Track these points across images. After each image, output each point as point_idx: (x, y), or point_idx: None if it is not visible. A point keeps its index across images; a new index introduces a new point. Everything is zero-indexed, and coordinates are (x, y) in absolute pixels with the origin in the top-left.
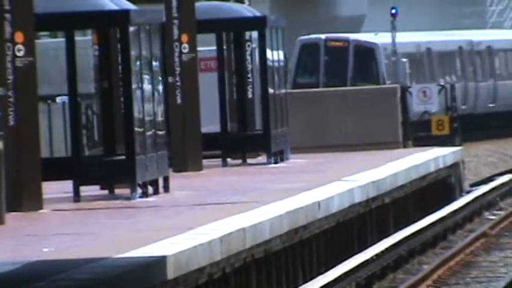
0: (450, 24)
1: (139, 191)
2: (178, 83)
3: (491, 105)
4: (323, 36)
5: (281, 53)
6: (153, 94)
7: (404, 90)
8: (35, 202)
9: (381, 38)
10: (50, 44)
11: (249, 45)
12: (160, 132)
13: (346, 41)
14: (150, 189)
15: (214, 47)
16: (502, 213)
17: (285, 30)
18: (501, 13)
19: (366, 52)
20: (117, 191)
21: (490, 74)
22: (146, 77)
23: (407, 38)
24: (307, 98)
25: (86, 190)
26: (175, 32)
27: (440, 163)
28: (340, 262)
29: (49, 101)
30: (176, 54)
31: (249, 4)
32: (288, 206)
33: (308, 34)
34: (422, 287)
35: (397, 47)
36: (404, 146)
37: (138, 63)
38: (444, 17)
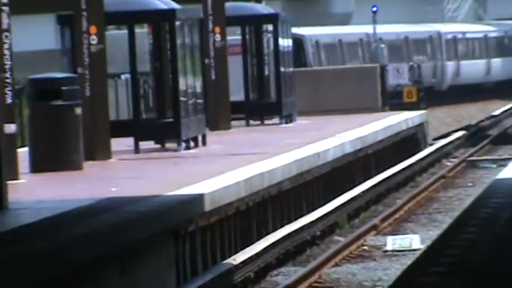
0: (418, 19)
1: (183, 145)
2: (213, 63)
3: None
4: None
5: (290, 41)
6: (193, 72)
7: (383, 68)
8: (105, 153)
9: (312, 30)
10: (116, 34)
11: (265, 35)
12: (199, 101)
13: None
14: (192, 144)
15: (239, 36)
16: (456, 160)
17: (292, 23)
18: (455, 10)
19: (296, 42)
20: (167, 145)
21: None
22: (188, 59)
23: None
24: (309, 75)
25: (144, 144)
26: (210, 25)
27: (409, 123)
28: (335, 198)
29: (115, 78)
30: (211, 42)
31: (266, 4)
32: (295, 155)
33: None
34: (397, 216)
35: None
36: (383, 110)
37: (182, 49)
38: (414, 13)
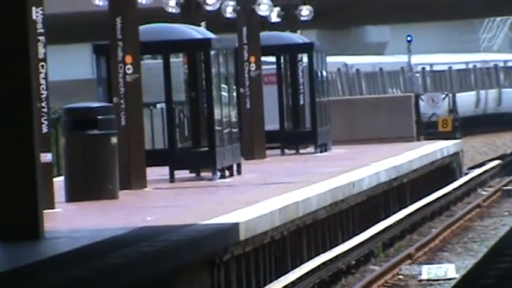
0: (453, 48)
1: (218, 174)
2: (248, 93)
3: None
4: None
5: (325, 71)
6: (228, 101)
7: (417, 97)
8: (140, 182)
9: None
10: (151, 64)
11: (300, 64)
12: (234, 130)
13: None
14: (227, 173)
15: (274, 66)
16: (492, 189)
17: (327, 53)
18: (490, 39)
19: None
20: (202, 174)
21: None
22: (223, 88)
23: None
24: (343, 104)
25: (179, 173)
26: (245, 54)
27: (444, 152)
28: (370, 227)
29: (151, 107)
30: (246, 71)
31: (301, 33)
32: (330, 184)
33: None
34: (432, 245)
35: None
36: (417, 140)
37: (217, 78)
38: (448, 42)
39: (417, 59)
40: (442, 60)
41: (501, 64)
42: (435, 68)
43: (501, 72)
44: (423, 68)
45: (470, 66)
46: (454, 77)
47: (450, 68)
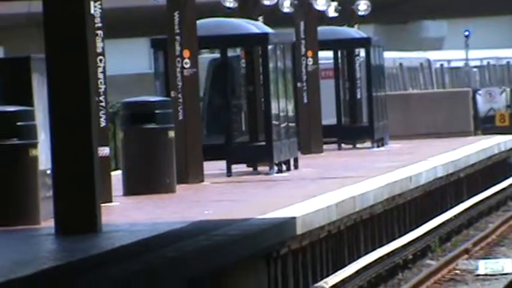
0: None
1: (275, 168)
2: (305, 87)
3: None
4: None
5: (383, 65)
6: (286, 95)
7: (475, 92)
8: (198, 176)
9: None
10: (209, 58)
11: (357, 59)
12: (291, 124)
13: None
14: (284, 167)
15: (331, 60)
16: None
17: (384, 48)
18: None
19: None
20: (259, 168)
21: None
22: (281, 83)
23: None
24: (400, 99)
25: (236, 168)
26: (303, 49)
27: (502, 147)
28: (426, 222)
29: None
30: (303, 65)
31: (358, 28)
32: (387, 179)
33: None
34: (489, 240)
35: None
36: (475, 134)
37: (274, 72)
38: (504, 37)
39: (478, 54)
40: (504, 54)
41: None
42: (499, 62)
43: None
44: (488, 62)
45: None
46: None
47: (509, 62)
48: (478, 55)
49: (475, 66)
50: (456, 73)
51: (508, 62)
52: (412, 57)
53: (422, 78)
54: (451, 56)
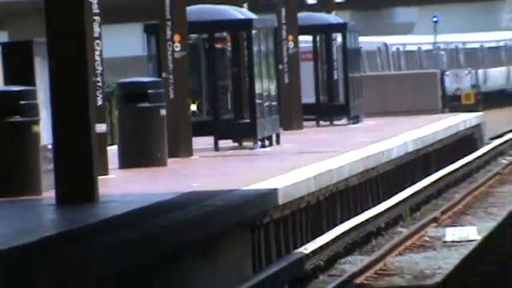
0: (475, 28)
1: (259, 143)
2: (286, 69)
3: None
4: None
5: (357, 48)
6: (268, 76)
7: (442, 73)
8: (187, 151)
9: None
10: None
11: (334, 43)
12: (273, 103)
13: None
14: (267, 142)
15: (310, 43)
16: (511, 158)
17: (359, 32)
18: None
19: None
20: (244, 143)
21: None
22: (264, 65)
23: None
24: (374, 79)
25: (222, 143)
26: (284, 33)
27: (467, 124)
28: (398, 193)
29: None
30: (284, 49)
31: (335, 14)
32: (362, 154)
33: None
34: (455, 209)
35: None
36: (442, 112)
37: (258, 55)
38: (470, 22)
39: (448, 38)
40: (473, 38)
41: None
42: (467, 46)
43: None
44: (456, 46)
45: (501, 44)
46: (485, 53)
47: (481, 45)
48: (445, 39)
49: (444, 49)
50: (411, 56)
51: (474, 47)
52: (370, 41)
53: (379, 61)
54: (407, 40)
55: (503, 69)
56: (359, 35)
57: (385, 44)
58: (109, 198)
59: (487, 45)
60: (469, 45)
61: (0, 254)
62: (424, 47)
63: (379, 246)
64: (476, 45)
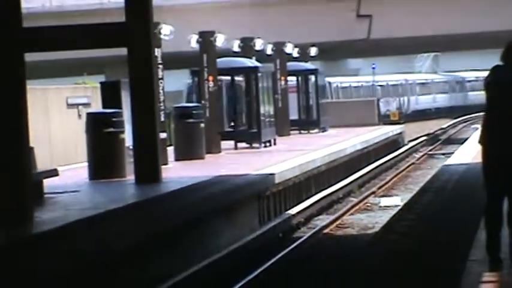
0: (398, 70)
1: (263, 144)
2: (279, 98)
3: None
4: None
5: (325, 84)
6: (268, 102)
7: (378, 100)
8: (217, 149)
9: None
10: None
11: (310, 81)
12: (272, 119)
13: None
14: (268, 144)
15: (294, 81)
16: (421, 153)
17: (325, 75)
18: (421, 66)
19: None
20: (254, 145)
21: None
22: (265, 95)
23: (381, 78)
24: (336, 104)
25: (240, 145)
26: (278, 75)
27: (394, 132)
28: (350, 175)
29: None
30: (279, 84)
31: (310, 63)
32: (329, 151)
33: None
34: (387, 186)
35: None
36: (378, 125)
37: (262, 89)
38: (394, 67)
39: (382, 78)
40: (397, 78)
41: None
42: (390, 83)
43: (417, 86)
44: (387, 83)
45: (411, 81)
46: (405, 87)
47: (402, 82)
48: (380, 79)
49: (379, 85)
50: (345, 89)
51: (398, 83)
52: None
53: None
54: (344, 79)
55: (414, 97)
56: (325, 77)
57: (329, 82)
58: (169, 180)
59: (406, 82)
60: (394, 83)
61: (102, 214)
62: (365, 84)
63: (338, 210)
64: (399, 82)
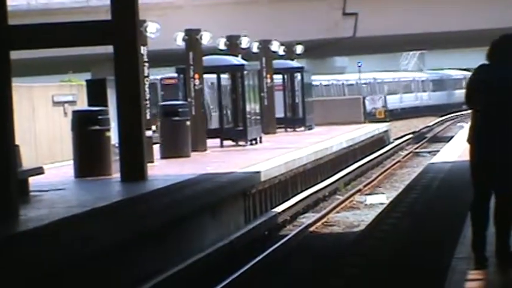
0: (383, 69)
1: (249, 142)
2: (265, 96)
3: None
4: (159, 77)
5: (311, 82)
6: (254, 100)
7: (364, 98)
8: (203, 147)
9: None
10: (209, 79)
11: (296, 79)
12: (258, 117)
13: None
14: (254, 142)
15: (280, 79)
16: (407, 151)
17: (311, 73)
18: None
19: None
20: (239, 142)
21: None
22: (251, 93)
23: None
24: (321, 102)
25: (225, 143)
26: (264, 73)
27: (379, 130)
28: (336, 173)
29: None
30: (265, 83)
31: (296, 60)
32: (314, 149)
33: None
34: (372, 184)
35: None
36: (364, 122)
37: (248, 87)
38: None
39: (367, 75)
40: (383, 76)
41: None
42: (377, 80)
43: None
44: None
45: (396, 79)
46: (386, 85)
47: (387, 80)
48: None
49: (364, 83)
50: (328, 87)
51: (383, 81)
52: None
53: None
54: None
55: (398, 96)
56: (311, 75)
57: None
58: (153, 177)
59: (390, 80)
60: (379, 80)
61: (88, 212)
62: (349, 82)
63: (324, 208)
64: (385, 80)
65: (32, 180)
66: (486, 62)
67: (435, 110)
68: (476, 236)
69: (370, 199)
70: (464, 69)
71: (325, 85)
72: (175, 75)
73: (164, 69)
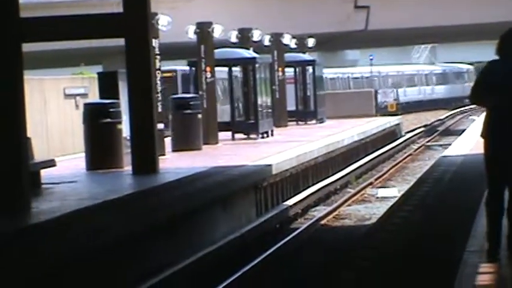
0: (395, 62)
1: (260, 135)
2: (277, 89)
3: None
4: None
5: (322, 76)
6: (266, 93)
7: (376, 91)
8: (214, 140)
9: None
10: (221, 72)
11: (308, 72)
12: (269, 110)
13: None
14: (265, 135)
15: (292, 72)
16: (419, 144)
17: (323, 66)
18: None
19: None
20: (251, 136)
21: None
22: (263, 86)
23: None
24: (333, 95)
25: (237, 136)
26: (276, 66)
27: (391, 123)
28: (348, 166)
29: (221, 98)
30: (276, 76)
31: (308, 54)
32: (325, 142)
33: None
34: (384, 177)
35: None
36: (376, 116)
37: (259, 80)
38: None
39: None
40: (395, 69)
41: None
42: (390, 74)
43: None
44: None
45: (409, 72)
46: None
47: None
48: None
49: (375, 76)
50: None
51: (395, 74)
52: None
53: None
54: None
55: (415, 88)
56: (323, 68)
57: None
58: (165, 170)
59: (403, 73)
60: (392, 74)
61: (100, 205)
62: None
63: (336, 201)
64: (397, 73)
65: (43, 172)
66: (496, 57)
67: (449, 102)
68: (490, 229)
69: (382, 192)
70: (473, 63)
71: (330, 78)
72: (172, 68)
73: (179, 61)
